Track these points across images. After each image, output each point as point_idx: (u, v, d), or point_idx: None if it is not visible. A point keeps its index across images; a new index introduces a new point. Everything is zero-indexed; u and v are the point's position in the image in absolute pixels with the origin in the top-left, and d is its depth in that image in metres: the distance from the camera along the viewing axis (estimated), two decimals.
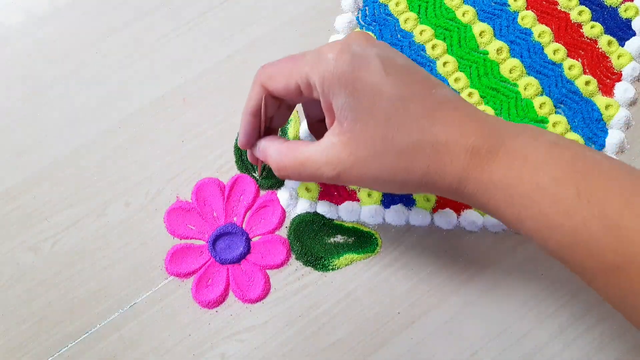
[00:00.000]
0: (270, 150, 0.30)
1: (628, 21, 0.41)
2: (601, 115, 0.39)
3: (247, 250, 0.36)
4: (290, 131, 0.38)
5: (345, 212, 0.37)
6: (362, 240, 0.36)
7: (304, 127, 0.38)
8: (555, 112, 0.39)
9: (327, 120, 0.28)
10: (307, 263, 0.36)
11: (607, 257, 0.23)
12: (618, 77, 0.40)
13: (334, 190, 0.37)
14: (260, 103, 0.30)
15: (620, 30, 0.41)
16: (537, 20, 0.41)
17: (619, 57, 0.40)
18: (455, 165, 0.26)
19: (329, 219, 0.37)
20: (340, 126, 0.27)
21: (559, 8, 0.42)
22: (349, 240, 0.36)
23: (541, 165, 0.25)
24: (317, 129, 0.35)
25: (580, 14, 0.41)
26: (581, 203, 0.24)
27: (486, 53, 0.40)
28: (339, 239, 0.36)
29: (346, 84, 0.26)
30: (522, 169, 0.25)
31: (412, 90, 0.27)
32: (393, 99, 0.26)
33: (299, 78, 0.28)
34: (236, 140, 0.38)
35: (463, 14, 0.41)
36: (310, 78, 0.27)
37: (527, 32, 0.41)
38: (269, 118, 0.32)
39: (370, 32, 0.41)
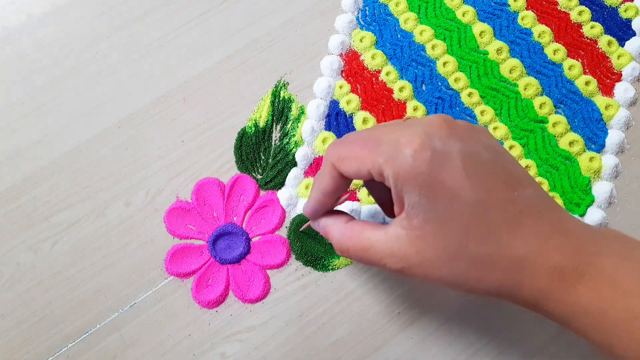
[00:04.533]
0: (332, 230, 0.29)
1: (628, 21, 0.41)
2: (601, 115, 0.39)
3: (247, 250, 0.36)
4: (295, 131, 0.39)
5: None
6: None
7: (306, 126, 0.38)
8: (555, 112, 0.39)
9: (395, 208, 0.26)
10: (307, 263, 0.36)
11: None
12: (618, 77, 0.40)
13: None
14: (332, 184, 0.28)
15: (620, 30, 0.41)
16: (537, 20, 0.41)
17: (619, 57, 0.40)
18: (534, 283, 0.24)
19: None
20: (409, 221, 0.25)
21: (559, 8, 0.42)
22: None
23: (635, 292, 0.23)
24: (383, 203, 0.32)
25: (580, 14, 0.41)
26: None
27: (486, 53, 0.40)
28: None
29: (422, 185, 0.24)
30: (614, 295, 0.23)
31: (493, 195, 0.25)
32: (471, 205, 0.24)
33: (371, 167, 0.26)
34: (236, 140, 0.38)
35: (463, 14, 0.41)
36: (384, 171, 0.25)
37: (527, 32, 0.41)
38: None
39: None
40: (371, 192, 0.32)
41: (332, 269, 0.36)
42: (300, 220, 0.37)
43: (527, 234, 0.24)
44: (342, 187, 0.28)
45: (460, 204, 0.24)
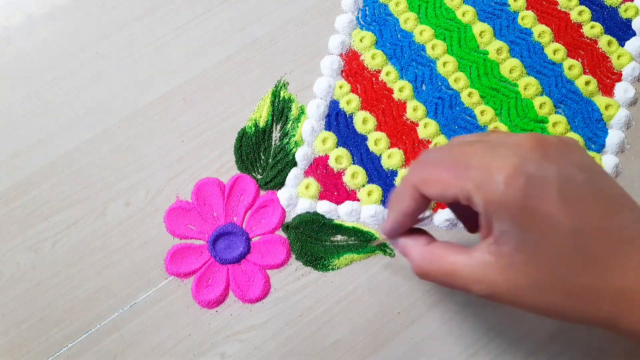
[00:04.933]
0: (412, 252, 0.27)
1: (628, 21, 0.41)
2: (601, 115, 0.39)
3: (247, 250, 0.36)
4: (295, 131, 0.39)
5: (345, 212, 0.37)
6: (362, 240, 0.36)
7: (307, 126, 0.38)
8: (555, 112, 0.39)
9: (482, 230, 0.25)
10: (307, 263, 0.36)
11: None
12: (618, 77, 0.40)
13: (334, 190, 0.37)
14: (413, 206, 0.27)
15: (620, 30, 0.41)
16: (537, 20, 0.41)
17: (619, 57, 0.40)
18: (637, 318, 0.23)
19: (329, 219, 0.37)
20: (498, 248, 0.24)
21: (559, 8, 0.42)
22: (349, 240, 0.36)
23: None
24: (465, 218, 0.31)
25: (580, 14, 0.41)
26: None
27: (486, 53, 0.40)
28: (339, 239, 0.36)
29: (515, 214, 0.23)
30: None
31: (591, 223, 0.23)
32: (568, 234, 0.23)
33: (459, 192, 0.24)
34: (236, 140, 0.38)
35: (463, 14, 0.41)
36: (473, 197, 0.24)
37: (527, 32, 0.41)
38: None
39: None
40: (452, 208, 0.31)
41: (332, 269, 0.36)
42: (300, 219, 0.37)
43: (629, 264, 0.23)
44: (423, 207, 0.27)
45: (556, 233, 0.23)
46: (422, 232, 0.29)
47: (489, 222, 0.24)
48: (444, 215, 0.36)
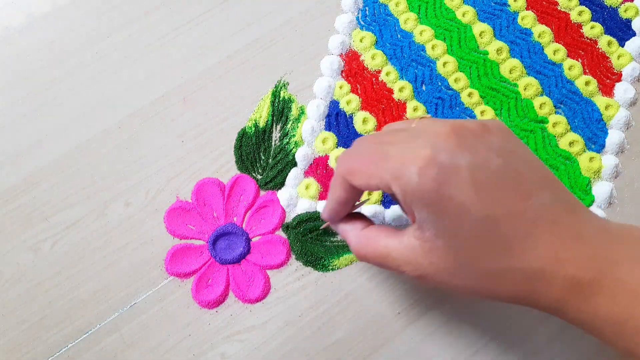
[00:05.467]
0: (349, 236, 0.29)
1: (628, 21, 0.41)
2: (601, 115, 0.39)
3: (247, 250, 0.36)
4: (295, 131, 0.39)
5: None
6: None
7: (306, 126, 0.38)
8: (555, 112, 0.39)
9: (408, 216, 0.26)
10: (307, 263, 0.36)
11: None
12: (618, 77, 0.40)
13: None
14: (345, 195, 0.28)
15: (620, 30, 0.41)
16: (537, 20, 0.41)
17: (619, 57, 0.40)
18: (550, 295, 0.24)
19: None
20: (422, 233, 0.25)
21: (559, 8, 0.42)
22: None
23: None
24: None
25: (580, 14, 0.41)
26: None
27: (486, 53, 0.40)
28: (339, 239, 0.36)
29: (429, 203, 0.24)
30: (633, 304, 0.23)
31: (503, 208, 0.24)
32: (481, 220, 0.24)
33: (379, 182, 0.25)
34: (236, 140, 0.38)
35: (463, 14, 0.41)
36: (391, 187, 0.25)
37: (527, 32, 0.41)
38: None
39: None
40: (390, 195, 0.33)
41: (332, 269, 0.36)
42: (300, 220, 0.37)
43: (540, 246, 0.24)
44: (355, 196, 0.28)
45: (469, 219, 0.24)
46: (360, 217, 0.30)
47: (410, 211, 0.25)
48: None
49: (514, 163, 0.25)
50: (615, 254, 0.24)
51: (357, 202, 0.30)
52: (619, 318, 0.23)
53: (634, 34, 0.41)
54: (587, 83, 0.39)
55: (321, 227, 0.36)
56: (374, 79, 0.40)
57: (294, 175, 0.38)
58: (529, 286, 0.24)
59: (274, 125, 0.39)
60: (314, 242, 0.36)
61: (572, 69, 0.40)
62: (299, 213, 0.37)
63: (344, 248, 0.36)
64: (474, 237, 0.24)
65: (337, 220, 0.31)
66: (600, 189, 0.37)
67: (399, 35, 0.41)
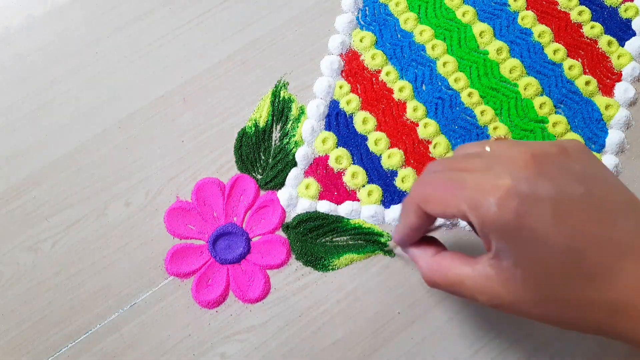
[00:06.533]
0: (420, 261, 0.29)
1: (628, 21, 0.41)
2: (601, 115, 0.39)
3: (247, 250, 0.36)
4: (295, 131, 0.39)
5: (345, 212, 0.37)
6: (367, 240, 0.36)
7: (307, 126, 0.38)
8: (555, 112, 0.39)
9: (485, 244, 0.25)
10: (307, 263, 0.36)
11: None
12: (618, 77, 0.40)
13: (334, 190, 0.37)
14: (418, 221, 0.28)
15: (620, 30, 0.41)
16: (537, 20, 0.41)
17: (619, 57, 0.40)
18: (636, 328, 0.23)
19: (340, 216, 0.37)
20: (499, 262, 0.24)
21: (559, 8, 0.42)
22: (349, 240, 0.36)
23: None
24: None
25: (580, 14, 0.41)
26: None
27: (486, 53, 0.40)
28: (339, 239, 0.36)
29: (509, 235, 0.23)
30: None
31: (586, 238, 0.23)
32: (563, 251, 0.23)
33: (456, 211, 0.25)
34: (236, 140, 0.38)
35: (463, 14, 0.41)
36: (469, 216, 0.24)
37: (527, 32, 0.41)
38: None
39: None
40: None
41: (332, 269, 0.36)
42: (300, 220, 0.37)
43: (625, 276, 0.23)
44: (428, 222, 0.28)
45: (551, 251, 0.23)
46: (431, 242, 0.29)
47: (487, 240, 0.25)
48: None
49: (596, 189, 0.24)
50: None
51: (432, 226, 0.29)
52: None
53: (634, 34, 0.41)
54: (587, 83, 0.39)
55: (387, 248, 0.36)
56: (374, 79, 0.40)
57: (294, 175, 0.38)
58: (612, 319, 0.23)
59: (274, 125, 0.39)
60: (314, 242, 0.36)
61: (572, 68, 0.40)
62: (299, 213, 0.37)
63: (344, 248, 0.36)
64: (556, 268, 0.23)
65: (409, 245, 0.30)
66: None
67: (399, 35, 0.41)
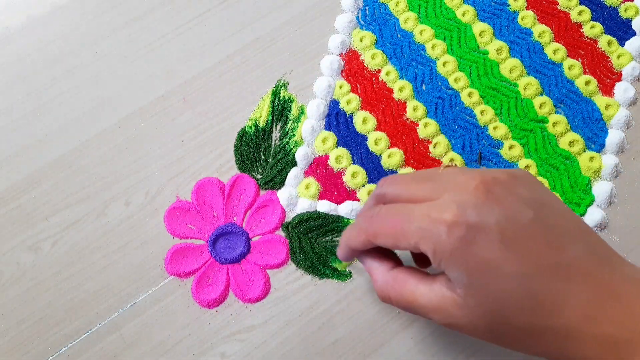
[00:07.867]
0: (375, 275, 0.28)
1: (628, 21, 0.41)
2: (601, 115, 0.39)
3: (247, 250, 0.36)
4: (295, 131, 0.39)
5: (345, 212, 0.37)
6: None
7: (306, 126, 0.38)
8: (555, 112, 0.39)
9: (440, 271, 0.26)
10: (307, 270, 0.36)
11: None
12: (618, 77, 0.40)
13: (334, 190, 0.37)
14: (362, 247, 0.28)
15: (620, 30, 0.41)
16: (537, 20, 0.41)
17: (619, 57, 0.40)
18: (584, 355, 0.23)
19: (339, 216, 0.37)
20: (453, 287, 0.24)
21: (559, 8, 0.42)
22: None
23: None
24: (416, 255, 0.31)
25: (580, 14, 0.41)
26: None
27: (486, 53, 0.40)
28: (339, 239, 0.36)
29: (459, 262, 0.23)
30: None
31: (534, 263, 0.23)
32: (511, 277, 0.23)
33: (407, 245, 0.25)
34: (236, 140, 0.38)
35: (463, 14, 0.41)
36: (420, 247, 0.24)
37: (527, 32, 0.41)
38: None
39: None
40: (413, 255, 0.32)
41: (329, 277, 0.36)
42: (300, 219, 0.37)
43: (573, 303, 0.23)
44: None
45: (500, 278, 0.23)
46: (388, 254, 0.29)
47: (440, 267, 0.24)
48: None
49: (545, 214, 0.24)
50: None
51: None
52: None
53: (634, 34, 0.41)
54: (587, 83, 0.39)
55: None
56: (374, 79, 0.40)
57: (294, 174, 0.38)
58: (561, 345, 0.23)
59: (274, 125, 0.39)
60: (314, 241, 0.36)
61: (572, 68, 0.40)
62: (299, 212, 0.37)
63: None
64: (505, 295, 0.23)
65: (353, 258, 0.30)
66: (600, 189, 0.37)
67: (399, 35, 0.41)
